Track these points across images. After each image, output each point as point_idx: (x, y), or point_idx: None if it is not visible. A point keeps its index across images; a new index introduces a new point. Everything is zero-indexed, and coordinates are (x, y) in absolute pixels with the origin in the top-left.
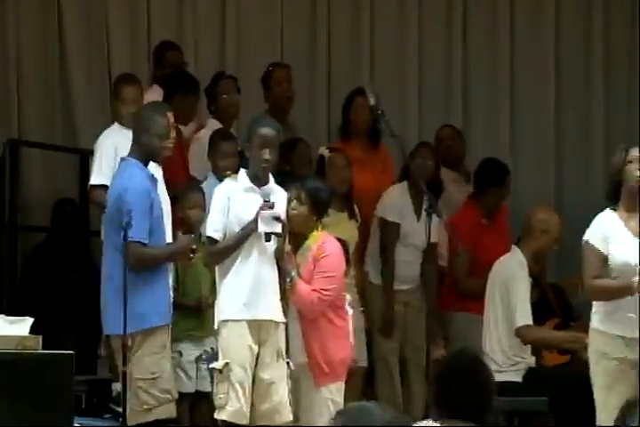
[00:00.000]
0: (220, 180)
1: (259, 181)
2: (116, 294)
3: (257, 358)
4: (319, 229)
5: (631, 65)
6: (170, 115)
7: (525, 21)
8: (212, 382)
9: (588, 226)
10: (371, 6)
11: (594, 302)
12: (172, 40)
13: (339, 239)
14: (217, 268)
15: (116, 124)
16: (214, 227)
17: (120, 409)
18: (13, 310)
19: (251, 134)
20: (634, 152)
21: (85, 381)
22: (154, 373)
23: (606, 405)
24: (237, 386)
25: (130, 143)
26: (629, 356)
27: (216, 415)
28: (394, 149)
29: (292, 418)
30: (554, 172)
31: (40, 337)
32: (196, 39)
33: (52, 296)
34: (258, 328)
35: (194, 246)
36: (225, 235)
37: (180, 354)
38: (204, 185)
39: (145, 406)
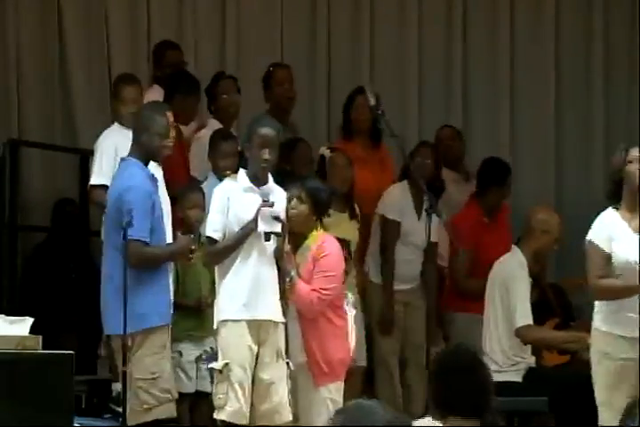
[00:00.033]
0: (221, 180)
1: (258, 180)
2: (117, 294)
3: (256, 359)
4: (318, 228)
5: (631, 65)
6: (169, 114)
7: (525, 21)
8: (212, 382)
9: (588, 226)
10: (371, 6)
11: (596, 302)
12: (172, 40)
13: (341, 239)
14: (216, 268)
15: (115, 124)
16: (214, 227)
17: (120, 409)
18: (13, 310)
19: (250, 134)
20: (634, 152)
21: (85, 381)
22: (154, 372)
23: (609, 405)
24: (237, 386)
25: (130, 143)
26: (632, 356)
27: (215, 416)
28: (394, 148)
29: (291, 418)
30: (554, 172)
31: (40, 337)
32: (196, 39)
33: (52, 296)
34: (257, 328)
35: (193, 247)
36: (224, 235)
37: (180, 354)
38: (204, 185)
39: (145, 406)
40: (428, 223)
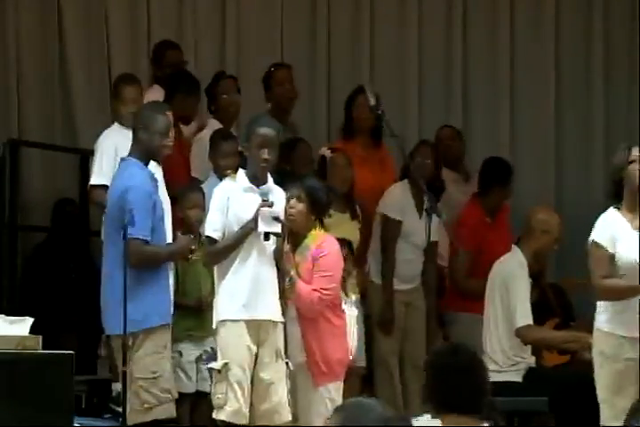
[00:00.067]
0: (222, 179)
1: (257, 180)
2: (117, 293)
3: (256, 359)
4: (317, 228)
5: (631, 65)
6: (169, 114)
7: (525, 21)
8: (211, 382)
9: (588, 226)
10: (371, 6)
11: (600, 303)
12: (172, 40)
13: (343, 239)
14: (215, 268)
15: (116, 124)
16: (213, 227)
17: (120, 409)
18: (13, 310)
19: (250, 134)
20: (635, 152)
21: (85, 381)
22: (154, 372)
23: (611, 404)
24: (236, 386)
25: (130, 143)
26: (635, 356)
27: (215, 415)
28: (394, 148)
29: (291, 418)
30: (554, 172)
31: (40, 337)
32: (195, 39)
33: (52, 296)
34: (257, 328)
35: (193, 247)
36: (224, 235)
37: (181, 354)
38: (205, 185)
39: (145, 406)
40: (427, 223)
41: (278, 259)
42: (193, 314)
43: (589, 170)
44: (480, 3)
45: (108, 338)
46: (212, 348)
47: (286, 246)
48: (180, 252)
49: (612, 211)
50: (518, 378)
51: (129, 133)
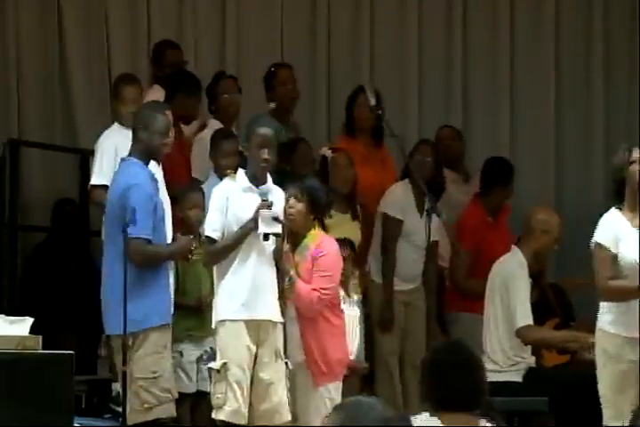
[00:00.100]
0: (222, 179)
1: (257, 180)
2: (117, 293)
3: (255, 359)
4: (316, 228)
5: (631, 65)
6: (169, 113)
7: (525, 21)
8: (211, 381)
9: (588, 226)
10: (371, 6)
11: (603, 303)
12: (172, 40)
13: (345, 239)
14: (215, 268)
15: (116, 124)
16: (213, 226)
17: (120, 409)
18: (13, 310)
19: (249, 134)
20: (636, 153)
21: (85, 381)
22: (155, 372)
23: (614, 405)
24: (235, 386)
25: (130, 143)
26: (635, 359)
27: (214, 415)
28: (394, 149)
29: (290, 418)
30: (554, 172)
31: (40, 337)
32: (195, 39)
33: (52, 296)
34: (256, 328)
35: (193, 247)
36: (223, 234)
37: (181, 354)
38: (205, 185)
39: (145, 405)
40: (427, 223)
41: (278, 259)
42: (193, 314)
43: (589, 170)
44: (480, 3)
45: (108, 338)
46: (212, 348)
47: (286, 246)
48: (179, 252)
49: (613, 211)
50: (518, 378)
51: (129, 133)
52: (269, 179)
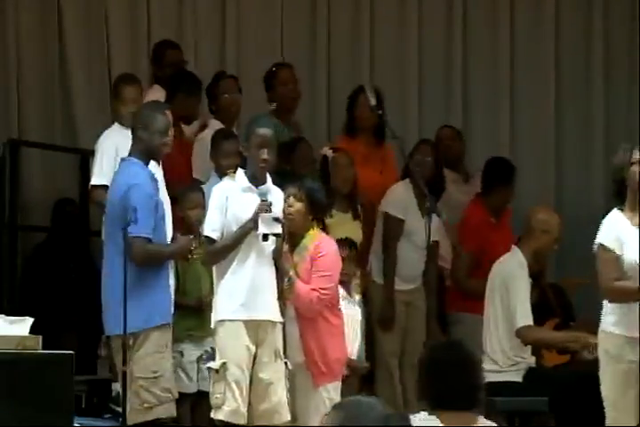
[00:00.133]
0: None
1: (257, 180)
2: (117, 293)
3: (255, 359)
4: (315, 228)
5: (631, 65)
6: (169, 113)
7: (525, 21)
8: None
9: (588, 226)
10: (371, 6)
11: (606, 304)
12: (172, 40)
13: (345, 239)
14: (214, 268)
15: (116, 124)
16: (212, 226)
17: (120, 409)
18: (13, 310)
19: (249, 134)
20: (636, 154)
21: (85, 381)
22: (155, 372)
23: (617, 405)
24: (234, 386)
25: (130, 143)
26: (635, 359)
27: (213, 415)
28: (394, 149)
29: (290, 418)
30: (554, 172)
31: (40, 337)
32: (195, 39)
33: (52, 296)
34: (255, 328)
35: (193, 247)
36: (223, 234)
37: (181, 354)
38: (206, 185)
39: (146, 405)
40: (428, 223)
41: (277, 259)
42: (193, 314)
43: (589, 170)
44: (480, 3)
45: (108, 338)
46: (212, 348)
47: (285, 246)
48: (179, 252)
49: (615, 212)
50: (518, 378)
51: (129, 133)
52: (269, 179)
